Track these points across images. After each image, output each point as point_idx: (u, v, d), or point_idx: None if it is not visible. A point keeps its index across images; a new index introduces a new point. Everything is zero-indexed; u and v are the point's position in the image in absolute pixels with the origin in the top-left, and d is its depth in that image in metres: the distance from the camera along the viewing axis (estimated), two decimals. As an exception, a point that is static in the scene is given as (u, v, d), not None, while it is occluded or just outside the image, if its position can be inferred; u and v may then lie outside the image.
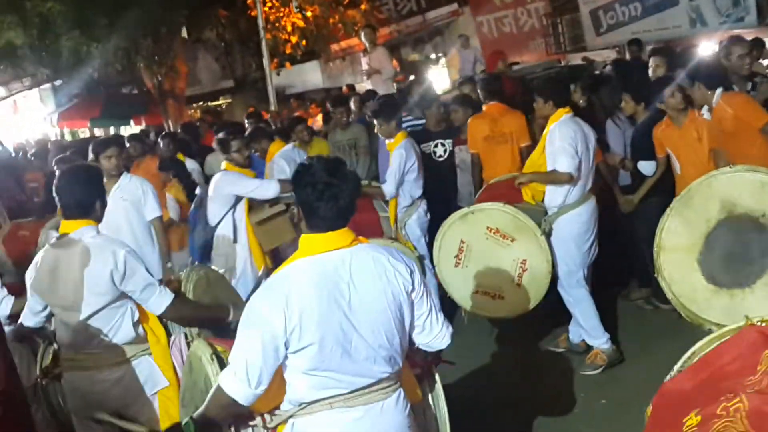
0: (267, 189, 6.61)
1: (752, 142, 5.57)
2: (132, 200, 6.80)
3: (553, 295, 6.16)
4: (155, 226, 6.97)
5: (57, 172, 4.60)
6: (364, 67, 12.90)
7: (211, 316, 4.41)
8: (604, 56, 15.70)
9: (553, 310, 6.40)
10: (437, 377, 3.72)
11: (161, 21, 17.59)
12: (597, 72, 10.77)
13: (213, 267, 6.32)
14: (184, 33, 20.12)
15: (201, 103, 24.65)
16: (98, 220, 4.22)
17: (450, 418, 3.71)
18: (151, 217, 6.93)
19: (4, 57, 17.40)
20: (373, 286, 3.09)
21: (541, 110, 6.28)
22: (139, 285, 4.09)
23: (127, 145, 8.92)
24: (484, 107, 7.73)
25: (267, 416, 3.17)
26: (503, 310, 6.20)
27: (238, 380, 3.00)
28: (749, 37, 8.21)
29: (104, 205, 4.28)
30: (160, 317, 4.25)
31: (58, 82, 21.11)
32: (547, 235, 6.05)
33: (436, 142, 8.13)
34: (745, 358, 2.98)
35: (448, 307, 6.45)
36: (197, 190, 7.66)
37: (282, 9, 20.74)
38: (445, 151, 8.10)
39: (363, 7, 21.08)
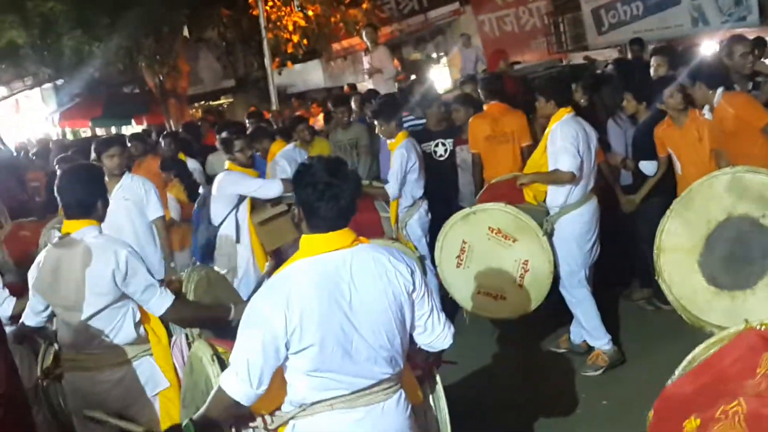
0: (270, 188, 6.60)
1: (753, 141, 5.56)
2: (134, 200, 6.80)
3: (554, 295, 6.15)
4: (157, 225, 6.97)
5: (58, 172, 4.60)
6: (366, 66, 12.91)
7: (211, 316, 4.41)
8: (605, 55, 15.70)
9: (554, 311, 6.39)
10: (438, 378, 3.72)
11: (163, 20, 17.60)
12: (598, 71, 10.75)
13: (215, 267, 6.35)
14: (186, 32, 20.10)
15: (202, 102, 24.64)
16: (100, 219, 4.22)
17: (451, 419, 3.71)
18: (154, 216, 6.93)
19: (5, 56, 17.44)
20: (374, 287, 3.08)
21: (543, 109, 6.27)
22: (140, 286, 4.08)
23: (129, 144, 8.91)
24: (484, 107, 7.72)
25: (268, 417, 3.17)
26: (505, 310, 6.19)
27: (240, 381, 3.00)
28: (751, 37, 8.19)
29: (106, 204, 4.27)
30: (160, 318, 4.25)
31: (59, 82, 21.14)
32: (549, 235, 6.05)
33: (436, 141, 8.12)
34: (744, 361, 2.97)
35: (450, 307, 6.45)
36: (200, 189, 7.65)
37: (283, 8, 20.74)
38: (445, 150, 8.09)
39: (364, 6, 21.07)
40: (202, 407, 3.15)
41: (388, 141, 7.19)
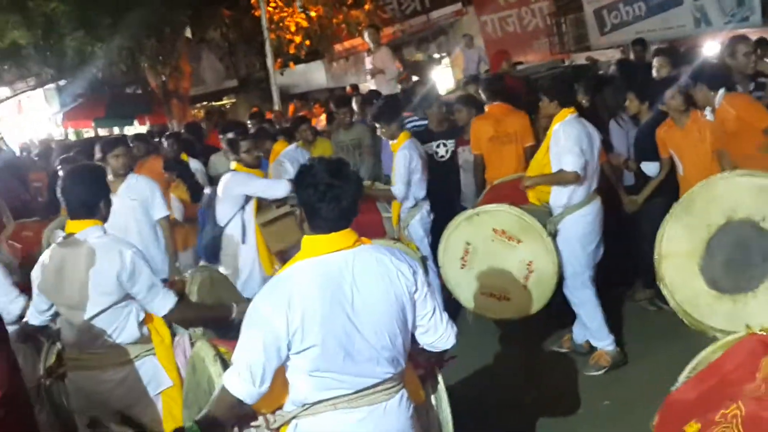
0: (277, 189, 6.59)
1: (755, 142, 5.55)
2: (140, 200, 6.80)
3: (557, 296, 6.15)
4: (162, 225, 6.97)
5: (61, 172, 4.61)
6: (368, 66, 12.91)
7: (214, 315, 4.42)
8: (608, 56, 15.66)
9: (557, 312, 6.38)
10: (440, 378, 3.73)
11: (165, 21, 17.62)
12: (601, 72, 10.74)
13: (221, 267, 6.38)
14: (188, 33, 20.13)
15: (205, 103, 24.66)
16: (103, 219, 4.23)
17: (453, 419, 3.71)
18: (159, 216, 6.93)
19: (8, 57, 17.47)
20: (376, 287, 3.09)
21: (546, 109, 6.25)
22: (145, 286, 4.10)
23: (131, 145, 8.91)
24: (486, 108, 7.70)
25: (270, 417, 3.17)
26: (509, 311, 6.18)
27: (242, 380, 3.01)
28: (754, 37, 8.19)
29: (109, 204, 4.28)
30: (163, 318, 4.26)
31: (62, 82, 21.16)
32: (553, 236, 6.04)
33: (438, 142, 8.12)
34: (745, 366, 3.00)
35: (453, 307, 6.45)
36: (206, 190, 7.66)
37: (286, 9, 20.79)
38: (447, 151, 8.09)
39: (367, 7, 21.10)
40: (204, 407, 3.15)
41: (391, 142, 7.20)
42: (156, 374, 4.23)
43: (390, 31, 21.40)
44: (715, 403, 2.92)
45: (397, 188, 6.97)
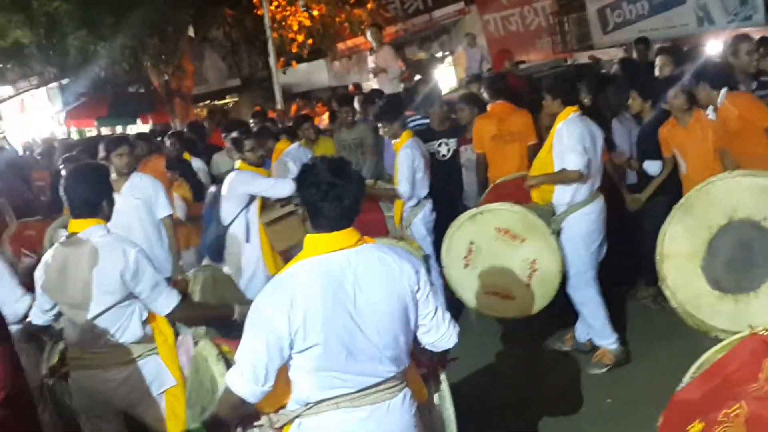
0: (282, 188, 6.57)
1: (757, 141, 5.55)
2: (144, 198, 6.80)
3: (559, 294, 6.14)
4: (166, 224, 6.96)
5: (64, 171, 4.61)
6: (371, 65, 12.90)
7: (216, 315, 4.42)
8: (611, 55, 15.63)
9: (559, 310, 6.38)
10: (443, 377, 3.72)
11: (168, 20, 17.61)
12: (604, 71, 10.73)
13: (225, 266, 6.40)
14: (191, 32, 20.13)
15: (207, 102, 24.66)
16: (106, 219, 4.24)
17: (456, 418, 3.71)
18: (163, 215, 6.93)
19: (11, 56, 17.49)
20: (379, 287, 3.09)
21: (549, 107, 6.25)
22: (148, 285, 4.10)
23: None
24: (489, 107, 7.70)
25: (273, 416, 3.18)
26: (513, 310, 6.17)
27: (245, 380, 3.02)
28: (757, 36, 8.18)
29: (111, 204, 4.29)
30: (166, 317, 4.26)
31: (65, 81, 21.16)
32: (557, 234, 6.04)
33: (439, 141, 8.12)
34: (748, 366, 3.00)
35: (456, 307, 6.45)
36: (211, 188, 7.66)
37: (288, 8, 20.78)
38: (448, 150, 8.08)
39: (369, 5, 21.08)
40: (207, 407, 3.16)
41: (393, 141, 7.19)
42: (159, 373, 4.23)
43: (392, 29, 21.38)
44: (719, 403, 2.93)
45: (403, 188, 6.97)
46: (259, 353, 3.00)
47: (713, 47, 11.61)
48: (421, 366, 3.55)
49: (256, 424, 3.21)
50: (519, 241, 6.03)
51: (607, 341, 6.19)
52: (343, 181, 3.09)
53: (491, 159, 7.54)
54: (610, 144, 7.02)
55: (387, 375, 3.13)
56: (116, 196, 4.42)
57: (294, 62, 21.49)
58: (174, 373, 4.25)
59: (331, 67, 23.48)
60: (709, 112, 5.94)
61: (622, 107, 7.35)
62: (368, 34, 13.27)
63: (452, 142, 8.10)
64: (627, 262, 7.18)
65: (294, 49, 21.02)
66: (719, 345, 3.28)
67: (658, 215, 5.49)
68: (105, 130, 22.11)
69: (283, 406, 3.18)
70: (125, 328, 4.16)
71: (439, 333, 3.33)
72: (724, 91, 5.73)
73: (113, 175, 6.22)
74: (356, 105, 9.86)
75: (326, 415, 3.10)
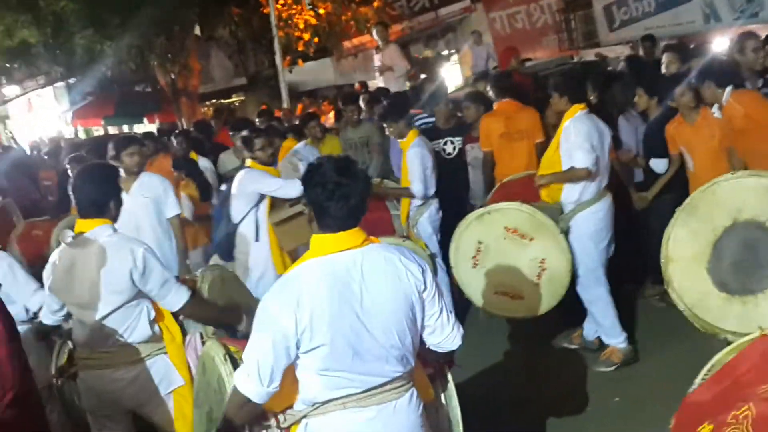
0: (291, 188, 6.54)
1: (763, 139, 5.53)
2: (153, 197, 6.79)
3: (568, 292, 6.13)
4: (174, 223, 6.96)
5: (72, 171, 4.62)
6: (377, 64, 12.91)
7: (223, 321, 4.44)
8: (617, 52, 15.63)
9: (567, 309, 6.37)
10: (450, 376, 3.72)
11: (174, 19, 17.63)
12: (610, 68, 10.72)
13: (235, 264, 6.44)
14: (197, 31, 20.13)
15: (214, 100, 24.68)
16: (113, 219, 4.24)
17: (462, 417, 3.71)
18: (171, 214, 6.93)
19: (18, 55, 17.52)
20: (385, 287, 3.09)
21: (556, 105, 6.25)
22: (157, 282, 4.11)
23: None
24: (495, 105, 7.68)
25: (280, 416, 3.18)
26: (522, 310, 6.16)
27: (251, 380, 3.02)
28: (763, 33, 8.15)
29: (119, 204, 4.29)
30: (176, 314, 4.27)
31: (72, 81, 21.19)
32: (565, 233, 6.03)
33: (445, 139, 8.11)
34: (758, 368, 2.99)
35: (465, 306, 6.45)
36: (222, 187, 7.67)
37: (294, 6, 20.78)
38: (454, 148, 8.07)
39: (375, 4, 21.08)
40: (215, 408, 3.17)
41: (399, 140, 7.19)
42: (167, 373, 4.24)
43: (398, 28, 21.40)
44: (728, 405, 2.92)
45: (416, 187, 6.96)
46: (265, 353, 3.00)
47: (720, 44, 11.59)
48: (427, 366, 3.55)
49: (263, 424, 3.21)
50: (527, 241, 6.01)
51: (616, 340, 6.19)
52: (349, 181, 3.09)
53: (499, 157, 7.52)
54: (616, 141, 7.00)
55: (393, 375, 3.13)
56: (125, 196, 4.42)
57: (300, 61, 21.48)
58: (182, 372, 4.25)
59: (337, 65, 23.48)
60: (715, 110, 5.93)
61: (628, 105, 7.33)
62: (374, 32, 13.29)
63: (458, 141, 8.08)
64: (635, 261, 7.17)
65: (300, 48, 21.02)
66: (730, 347, 3.27)
67: (665, 213, 5.47)
68: (112, 130, 22.17)
69: (290, 406, 3.19)
70: (134, 328, 4.16)
71: (444, 334, 3.33)
72: (729, 89, 5.70)
73: (123, 175, 6.23)
74: (362, 103, 9.87)
75: (333, 415, 3.10)
